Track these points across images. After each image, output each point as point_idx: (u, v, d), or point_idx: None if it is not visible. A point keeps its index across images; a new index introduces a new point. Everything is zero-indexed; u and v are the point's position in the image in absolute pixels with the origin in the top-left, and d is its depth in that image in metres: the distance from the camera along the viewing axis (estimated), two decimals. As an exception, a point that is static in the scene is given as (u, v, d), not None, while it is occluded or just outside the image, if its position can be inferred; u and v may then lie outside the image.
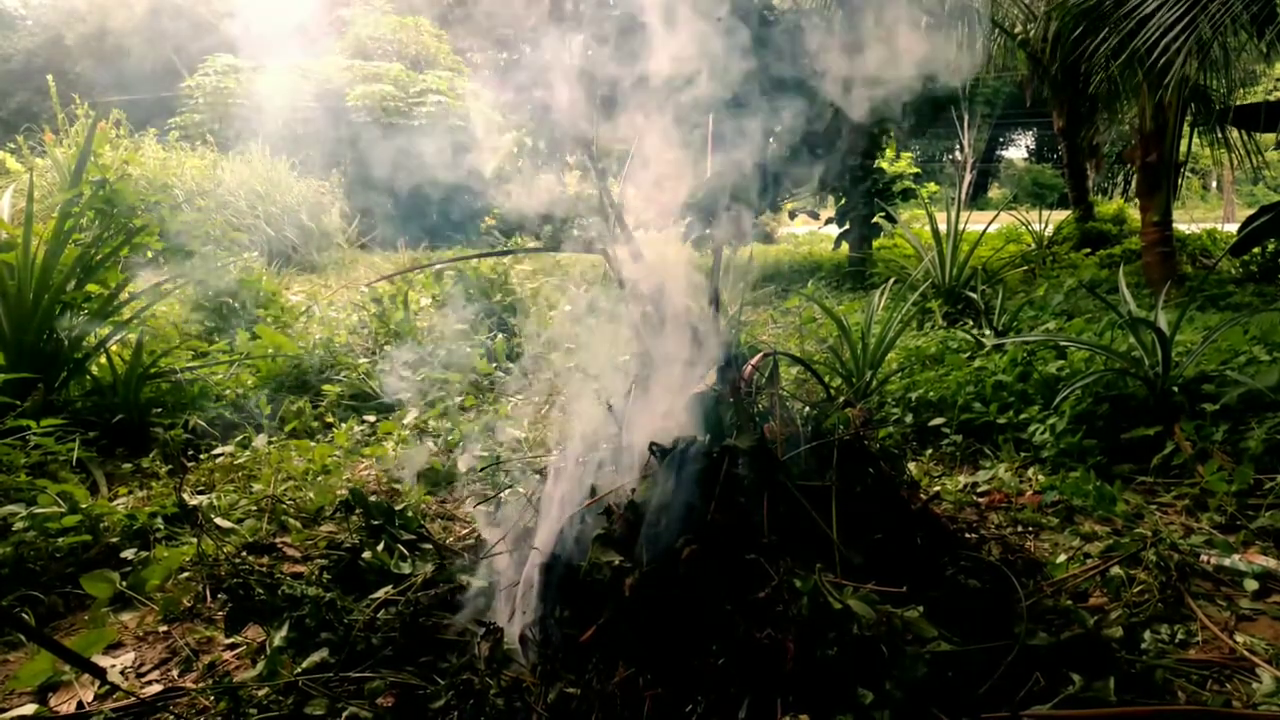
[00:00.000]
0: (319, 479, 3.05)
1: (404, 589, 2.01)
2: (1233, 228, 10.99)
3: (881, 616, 1.50)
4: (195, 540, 2.37)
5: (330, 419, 4.05)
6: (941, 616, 1.59)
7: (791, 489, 1.81)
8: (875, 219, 9.80)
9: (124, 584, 2.21)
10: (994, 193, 37.68)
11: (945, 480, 3.09)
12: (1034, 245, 10.49)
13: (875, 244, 10.03)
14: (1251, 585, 2.09)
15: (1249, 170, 7.75)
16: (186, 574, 2.32)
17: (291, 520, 2.72)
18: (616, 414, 2.06)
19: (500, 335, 5.33)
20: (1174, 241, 7.55)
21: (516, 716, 1.53)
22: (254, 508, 2.81)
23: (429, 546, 2.34)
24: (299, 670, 1.68)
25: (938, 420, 3.56)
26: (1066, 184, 11.63)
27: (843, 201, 10.07)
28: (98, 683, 1.76)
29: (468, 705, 1.53)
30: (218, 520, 2.66)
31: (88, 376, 3.83)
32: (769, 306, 7.66)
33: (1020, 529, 2.61)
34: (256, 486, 3.02)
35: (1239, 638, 1.85)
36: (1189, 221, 11.96)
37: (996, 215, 8.08)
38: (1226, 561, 2.20)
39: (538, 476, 2.32)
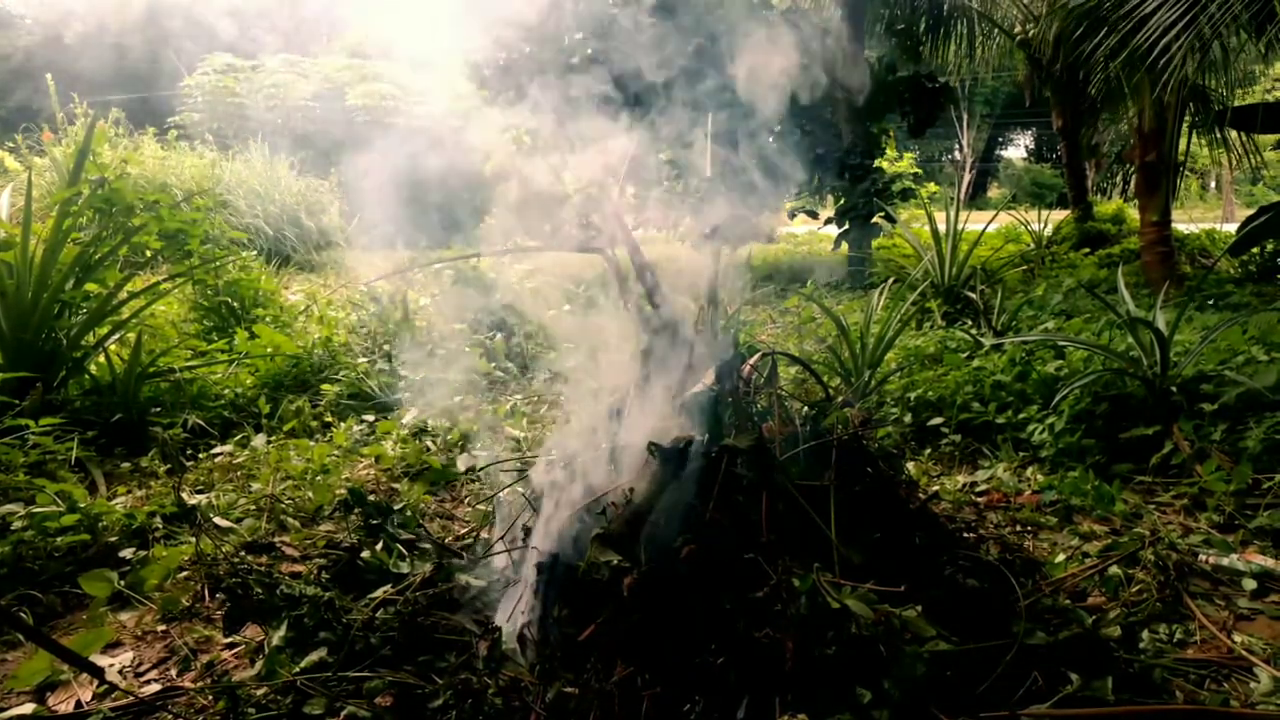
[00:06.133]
0: (318, 478, 3.05)
1: (402, 588, 2.01)
2: (1232, 228, 10.99)
3: (880, 616, 1.50)
4: (194, 539, 2.36)
5: (329, 418, 4.04)
6: (940, 616, 1.59)
7: (790, 488, 1.82)
8: (875, 219, 9.81)
9: (122, 583, 2.20)
10: (993, 192, 37.70)
11: (944, 480, 3.09)
12: (1033, 245, 10.48)
13: (875, 244, 10.03)
14: (1250, 585, 2.09)
15: (1248, 170, 7.75)
16: (185, 573, 2.32)
17: (290, 519, 2.72)
18: (615, 413, 2.06)
19: (499, 334, 5.33)
20: (1173, 241, 7.55)
21: (515, 716, 1.53)
22: (253, 507, 2.81)
23: (428, 546, 2.34)
24: (297, 669, 1.67)
25: (936, 420, 3.56)
26: (1065, 184, 11.64)
27: (842, 201, 10.07)
28: (96, 682, 1.75)
29: (466, 704, 1.52)
30: (216, 519, 2.66)
31: (86, 376, 3.83)
32: (768, 306, 7.66)
33: (1019, 528, 2.61)
34: (255, 486, 3.02)
35: (1237, 637, 1.85)
36: (1188, 221, 11.96)
37: (996, 215, 8.09)
38: (1225, 561, 2.20)
39: (536, 476, 2.32)
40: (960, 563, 1.91)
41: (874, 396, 3.96)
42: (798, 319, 6.42)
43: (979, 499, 2.89)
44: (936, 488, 2.92)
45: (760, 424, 2.01)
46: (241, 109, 15.64)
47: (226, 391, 4.12)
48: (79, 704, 1.74)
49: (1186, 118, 7.79)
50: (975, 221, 7.94)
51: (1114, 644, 1.75)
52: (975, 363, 3.99)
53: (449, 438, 3.63)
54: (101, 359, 3.82)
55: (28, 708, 1.72)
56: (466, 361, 4.70)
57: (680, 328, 2.07)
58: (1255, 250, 7.19)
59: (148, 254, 4.98)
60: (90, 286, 3.96)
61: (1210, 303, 6.22)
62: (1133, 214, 10.39)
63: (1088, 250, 9.92)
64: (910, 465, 3.13)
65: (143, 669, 1.91)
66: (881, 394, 3.97)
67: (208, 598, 2.18)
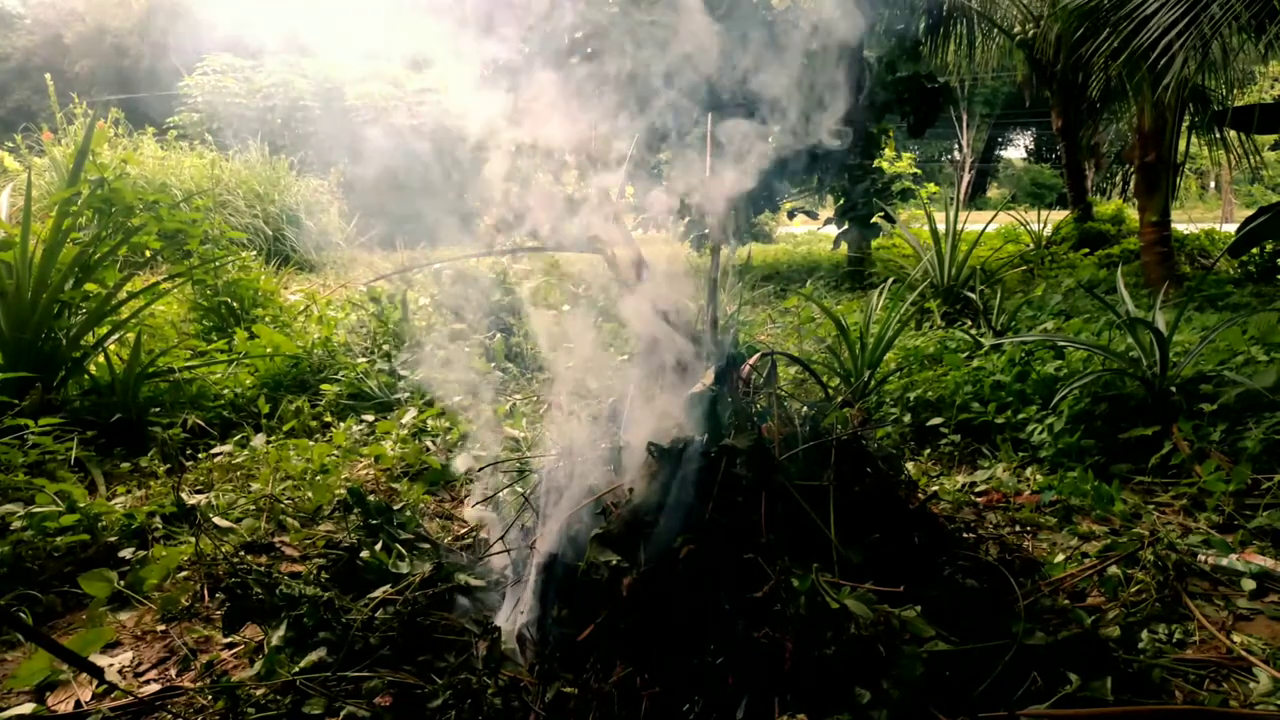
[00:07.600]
0: (317, 478, 3.05)
1: (402, 588, 2.01)
2: (1231, 228, 10.99)
3: (879, 616, 1.50)
4: (193, 539, 2.37)
5: (328, 418, 4.04)
6: (939, 616, 1.59)
7: (789, 489, 1.82)
8: (874, 219, 9.80)
9: (122, 583, 2.21)
10: (993, 192, 37.74)
11: (943, 480, 3.09)
12: (1032, 245, 10.49)
13: (874, 244, 10.03)
14: (1249, 585, 2.09)
15: (1247, 170, 7.76)
16: (184, 573, 2.32)
17: (290, 519, 2.72)
18: (615, 414, 2.06)
19: (499, 334, 5.32)
20: (1172, 242, 7.56)
21: (514, 716, 1.53)
22: (252, 507, 2.81)
23: (427, 546, 2.34)
24: (297, 669, 1.68)
25: (936, 420, 3.56)
26: (1065, 184, 11.65)
27: (842, 201, 10.07)
28: (95, 682, 1.76)
29: (465, 704, 1.52)
30: (216, 519, 2.66)
31: (86, 376, 3.83)
32: (767, 306, 7.66)
33: (1018, 528, 2.61)
34: (255, 486, 3.02)
35: (1236, 637, 1.85)
36: (1187, 221, 11.97)
37: (995, 215, 8.09)
38: (1224, 561, 2.20)
39: (536, 476, 2.32)
40: (959, 563, 1.91)
41: (873, 397, 3.96)
42: (797, 319, 6.41)
43: (978, 499, 2.89)
44: (936, 488, 2.93)
45: (760, 424, 2.01)
46: (241, 109, 15.62)
47: (226, 391, 4.12)
48: (78, 704, 1.74)
49: (1186, 118, 7.79)
50: (975, 222, 7.95)
51: (1113, 644, 1.75)
52: (975, 363, 3.99)
53: (449, 438, 3.63)
54: (101, 359, 3.81)
55: (27, 707, 1.72)
56: (466, 361, 4.70)
57: (680, 328, 2.07)
58: (1255, 250, 7.19)
59: (147, 254, 4.98)
60: (89, 286, 3.96)
61: (1210, 303, 6.23)
62: (1132, 214, 10.40)
63: (1087, 250, 9.92)
64: (910, 465, 3.13)
65: (142, 669, 1.91)
66: (881, 394, 3.97)
67: (207, 598, 2.18)
